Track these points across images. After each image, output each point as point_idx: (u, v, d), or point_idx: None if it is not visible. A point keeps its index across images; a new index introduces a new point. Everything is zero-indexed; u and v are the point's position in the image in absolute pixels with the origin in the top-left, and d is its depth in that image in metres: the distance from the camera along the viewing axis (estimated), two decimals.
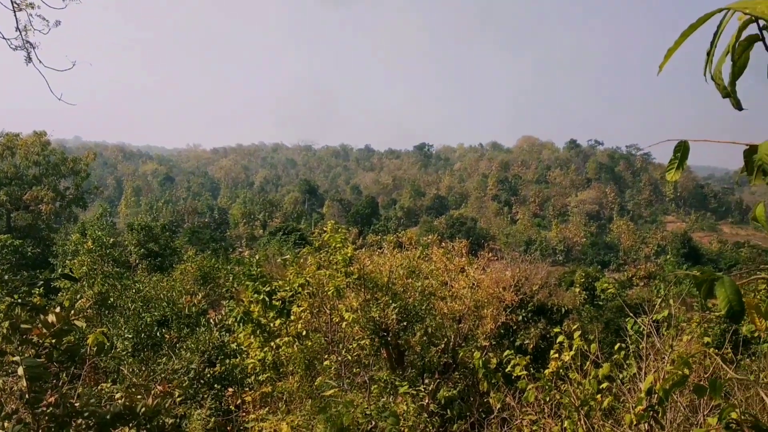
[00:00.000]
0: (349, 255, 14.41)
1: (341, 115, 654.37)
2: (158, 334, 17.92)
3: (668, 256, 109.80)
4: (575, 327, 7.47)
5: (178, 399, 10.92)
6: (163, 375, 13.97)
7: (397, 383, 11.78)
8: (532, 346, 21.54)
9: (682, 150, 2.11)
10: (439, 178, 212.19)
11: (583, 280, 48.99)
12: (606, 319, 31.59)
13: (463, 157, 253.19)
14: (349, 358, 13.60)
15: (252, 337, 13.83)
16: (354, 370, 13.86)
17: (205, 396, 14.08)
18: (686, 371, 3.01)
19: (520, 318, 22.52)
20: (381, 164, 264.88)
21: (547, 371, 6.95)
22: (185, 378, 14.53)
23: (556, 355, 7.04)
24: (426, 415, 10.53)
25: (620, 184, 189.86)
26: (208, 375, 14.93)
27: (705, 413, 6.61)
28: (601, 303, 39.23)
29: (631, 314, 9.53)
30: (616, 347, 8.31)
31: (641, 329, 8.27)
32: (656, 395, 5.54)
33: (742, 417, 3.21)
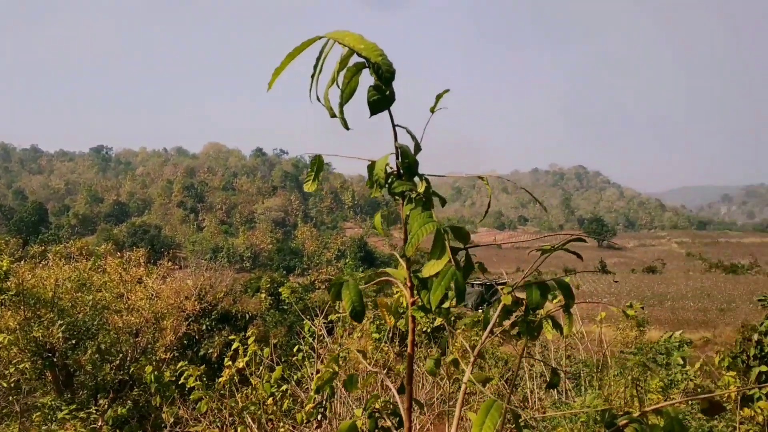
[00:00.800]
0: (4, 269, 12.80)
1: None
2: None
3: (347, 260, 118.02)
4: (250, 333, 7.59)
5: None
6: None
7: (64, 408, 10.79)
8: (216, 354, 21.37)
9: (317, 163, 2.26)
10: (120, 183, 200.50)
11: (268, 285, 50.15)
12: (290, 323, 32.72)
13: (146, 161, 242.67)
14: (5, 385, 12.07)
15: None
16: (11, 397, 12.32)
17: None
18: (336, 368, 3.24)
19: (204, 327, 22.25)
20: (51, 167, 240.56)
21: (221, 379, 6.93)
22: None
23: (230, 363, 7.07)
24: None
25: (304, 192, 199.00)
26: None
27: None
28: (285, 307, 40.46)
29: (304, 317, 9.98)
30: (294, 349, 8.67)
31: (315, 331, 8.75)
32: (326, 392, 5.90)
33: (386, 405, 3.55)
